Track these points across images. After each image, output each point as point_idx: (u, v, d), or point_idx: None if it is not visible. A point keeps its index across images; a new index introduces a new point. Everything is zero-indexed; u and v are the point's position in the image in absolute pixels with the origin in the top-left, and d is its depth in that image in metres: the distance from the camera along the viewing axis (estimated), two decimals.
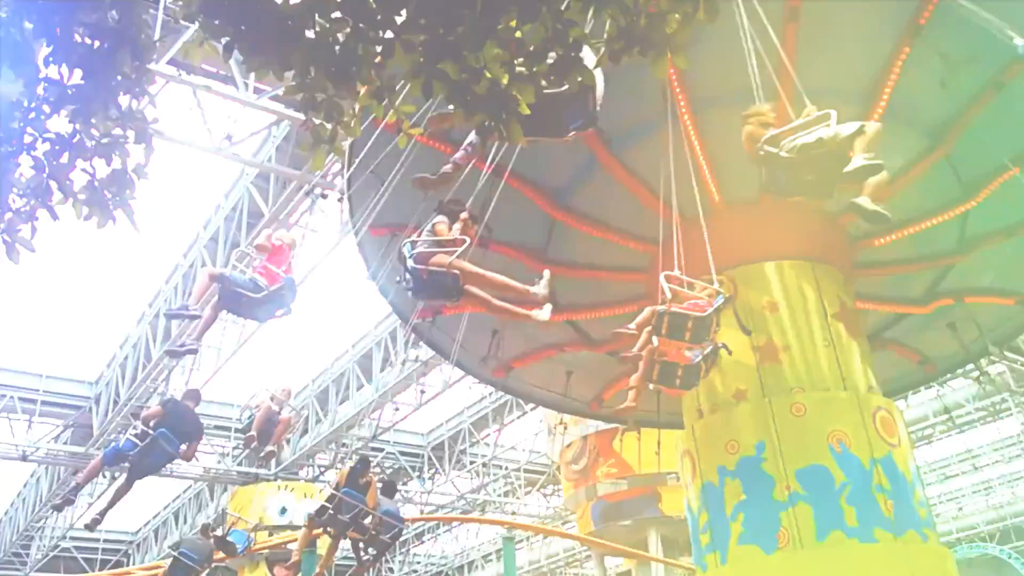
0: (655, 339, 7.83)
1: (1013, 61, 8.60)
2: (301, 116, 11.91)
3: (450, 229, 7.03)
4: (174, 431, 9.39)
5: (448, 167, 6.76)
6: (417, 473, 32.80)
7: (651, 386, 8.33)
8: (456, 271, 6.74)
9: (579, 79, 2.96)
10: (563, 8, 2.94)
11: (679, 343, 7.90)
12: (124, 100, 3.55)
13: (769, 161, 6.41)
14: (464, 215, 7.19)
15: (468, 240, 6.84)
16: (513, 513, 34.54)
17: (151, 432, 9.26)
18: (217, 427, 28.79)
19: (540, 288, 6.78)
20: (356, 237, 11.63)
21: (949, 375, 22.74)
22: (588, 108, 5.92)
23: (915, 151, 10.01)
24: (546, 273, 6.88)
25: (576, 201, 10.79)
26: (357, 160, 10.02)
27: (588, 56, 6.01)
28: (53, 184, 3.70)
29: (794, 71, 7.12)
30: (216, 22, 2.85)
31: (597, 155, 10.03)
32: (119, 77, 3.48)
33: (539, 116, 5.81)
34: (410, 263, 6.71)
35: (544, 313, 6.78)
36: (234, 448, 29.77)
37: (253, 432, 9.84)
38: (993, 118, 9.43)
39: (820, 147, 6.10)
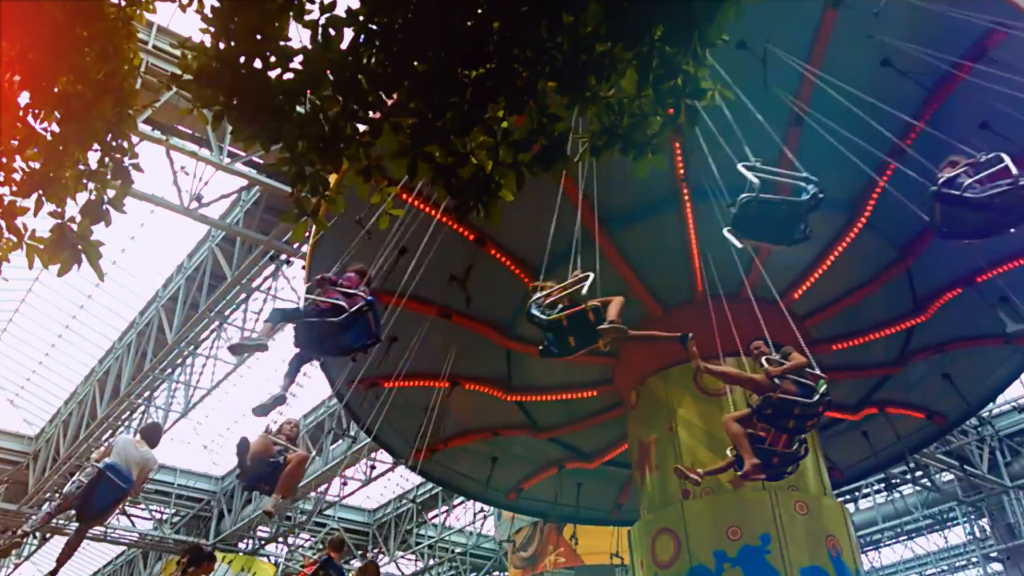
0: None
1: None
2: (273, 183, 12.00)
3: None
4: None
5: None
6: (361, 552, 31.94)
7: None
8: None
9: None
10: (548, 104, 3.04)
11: None
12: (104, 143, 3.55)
13: None
14: None
15: None
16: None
17: None
18: (157, 492, 27.93)
19: None
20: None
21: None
22: (371, 329, 6.53)
23: (883, 262, 10.35)
24: None
25: (523, 329, 10.84)
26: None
27: None
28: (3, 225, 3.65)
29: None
30: (209, 91, 2.89)
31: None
32: (98, 123, 3.49)
33: (326, 342, 6.38)
34: None
35: None
36: (173, 515, 28.83)
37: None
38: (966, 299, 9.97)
39: None
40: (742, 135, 6.93)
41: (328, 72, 2.91)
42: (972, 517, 25.80)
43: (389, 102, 2.99)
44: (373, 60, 2.87)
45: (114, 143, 3.70)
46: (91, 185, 3.65)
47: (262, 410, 6.77)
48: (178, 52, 3.18)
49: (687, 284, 10.39)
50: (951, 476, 23.65)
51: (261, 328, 6.89)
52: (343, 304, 6.52)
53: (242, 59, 2.83)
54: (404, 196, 9.39)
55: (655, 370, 10.65)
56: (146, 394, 22.51)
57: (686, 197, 9.49)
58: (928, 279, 10.55)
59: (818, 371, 7.28)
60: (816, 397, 7.04)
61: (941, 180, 6.66)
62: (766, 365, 7.30)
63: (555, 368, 11.19)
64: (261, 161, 14.04)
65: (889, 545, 30.04)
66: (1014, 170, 6.42)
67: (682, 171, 9.16)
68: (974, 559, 26.96)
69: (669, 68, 3.00)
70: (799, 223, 6.47)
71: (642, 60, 3.00)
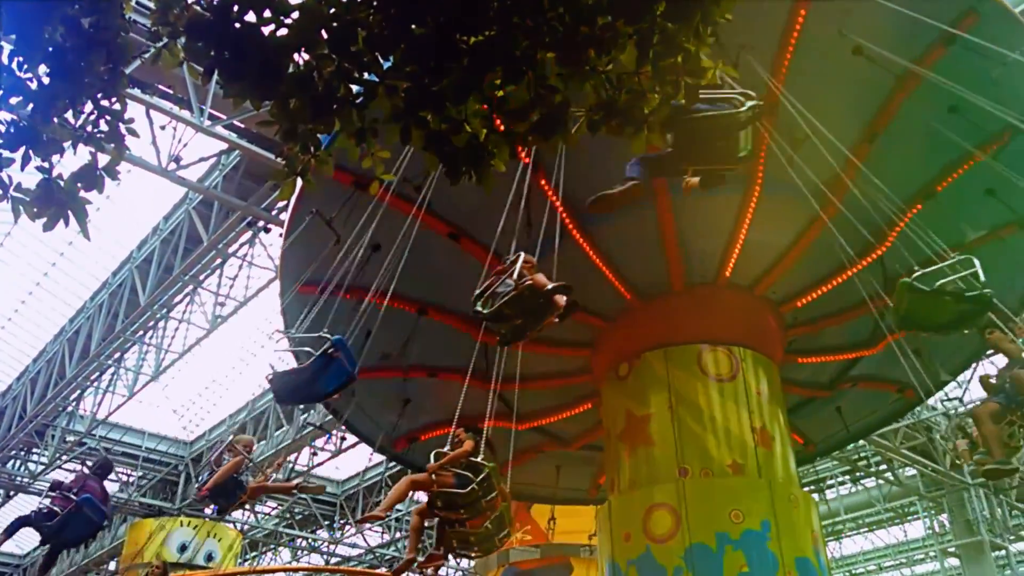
0: None
1: None
2: (253, 148, 11.81)
3: None
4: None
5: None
6: (327, 522, 31.98)
7: None
8: None
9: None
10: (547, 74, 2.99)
11: None
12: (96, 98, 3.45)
13: None
14: None
15: None
16: (421, 572, 33.78)
17: None
18: (125, 454, 27.77)
19: None
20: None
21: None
22: (92, 521, 7.90)
23: (856, 247, 10.16)
24: None
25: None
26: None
27: None
28: None
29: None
30: (200, 44, 2.81)
31: None
32: (89, 79, 3.38)
33: (55, 539, 7.46)
34: None
35: None
36: (140, 477, 28.69)
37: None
38: (931, 212, 9.67)
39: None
40: None
41: (323, 30, 2.84)
42: (932, 512, 26.25)
43: (385, 65, 2.94)
44: (370, 19, 2.81)
45: (106, 104, 3.59)
46: (84, 150, 3.56)
47: None
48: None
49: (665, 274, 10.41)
50: (914, 471, 24.02)
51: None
52: (56, 509, 8.21)
53: (235, 8, 2.76)
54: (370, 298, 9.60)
55: (654, 345, 10.59)
56: (116, 355, 22.33)
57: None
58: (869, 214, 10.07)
59: (481, 459, 7.01)
60: (470, 488, 6.77)
61: (474, 295, 6.43)
62: (432, 461, 7.04)
63: (537, 357, 11.23)
64: (242, 125, 13.85)
65: (850, 536, 30.52)
66: (516, 272, 6.20)
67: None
68: (932, 553, 27.47)
69: (670, 45, 2.96)
70: (319, 380, 6.79)
71: (643, 36, 2.95)
